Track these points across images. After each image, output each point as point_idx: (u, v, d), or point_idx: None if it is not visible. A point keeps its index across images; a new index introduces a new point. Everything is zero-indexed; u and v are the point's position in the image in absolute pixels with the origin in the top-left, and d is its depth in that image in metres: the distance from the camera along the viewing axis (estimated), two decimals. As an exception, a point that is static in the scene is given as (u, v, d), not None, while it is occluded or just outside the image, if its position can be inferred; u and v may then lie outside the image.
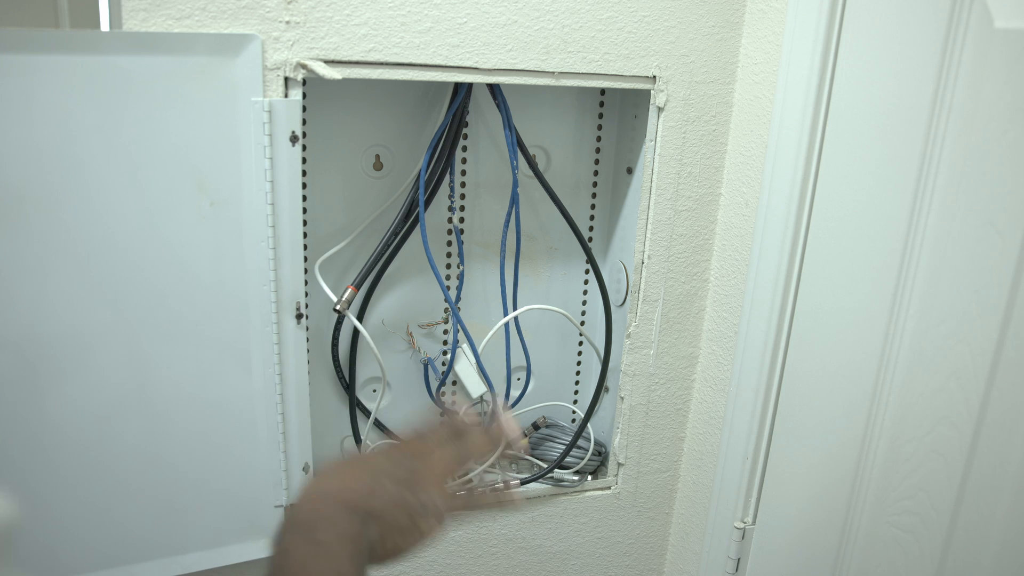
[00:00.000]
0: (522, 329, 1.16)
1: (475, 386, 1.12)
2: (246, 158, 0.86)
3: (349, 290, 0.99)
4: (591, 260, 1.12)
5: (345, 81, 0.88)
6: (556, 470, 1.15)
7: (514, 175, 1.05)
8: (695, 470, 1.19)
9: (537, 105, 1.10)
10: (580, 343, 1.24)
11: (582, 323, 1.23)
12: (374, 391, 1.16)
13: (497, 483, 1.11)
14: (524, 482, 1.13)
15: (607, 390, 1.19)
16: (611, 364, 1.15)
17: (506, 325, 1.12)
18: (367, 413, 1.14)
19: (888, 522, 0.85)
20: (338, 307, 0.98)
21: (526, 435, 1.19)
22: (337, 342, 1.09)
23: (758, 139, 1.00)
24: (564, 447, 1.17)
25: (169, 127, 0.82)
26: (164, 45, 0.79)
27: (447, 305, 1.14)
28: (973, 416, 0.74)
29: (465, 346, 1.13)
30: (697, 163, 1.06)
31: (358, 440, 1.12)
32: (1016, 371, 0.70)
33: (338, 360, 1.10)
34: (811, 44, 0.89)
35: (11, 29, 0.74)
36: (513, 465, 1.22)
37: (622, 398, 1.15)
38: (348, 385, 1.12)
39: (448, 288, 1.14)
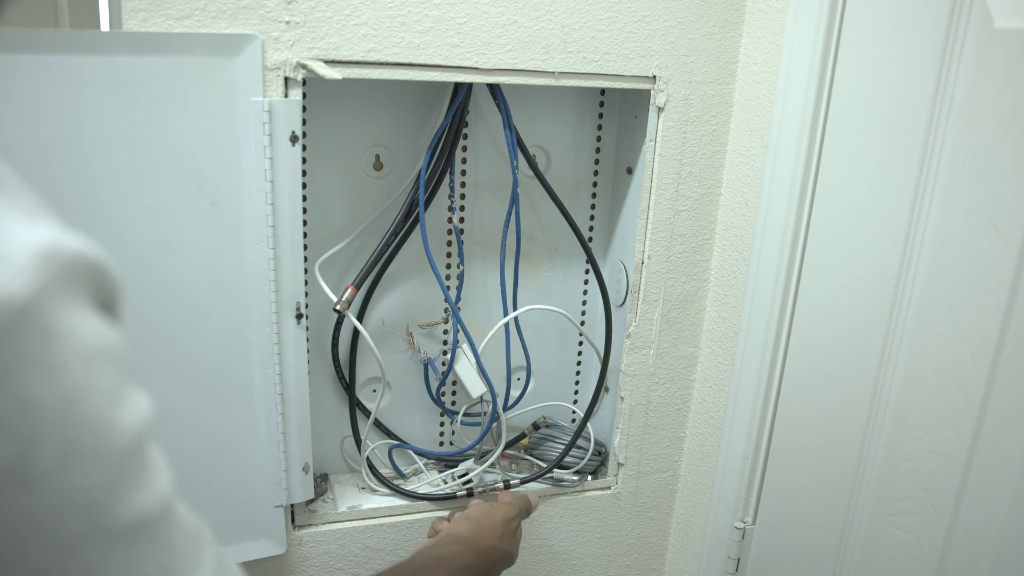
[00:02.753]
0: (522, 329, 1.16)
1: (475, 386, 1.12)
2: (246, 158, 0.86)
3: (349, 290, 0.99)
4: (591, 260, 1.12)
5: (345, 81, 0.88)
6: (556, 470, 1.15)
7: (514, 175, 1.05)
8: (695, 470, 1.19)
9: (537, 105, 1.10)
10: (580, 343, 1.24)
11: (582, 323, 1.23)
12: (374, 391, 1.16)
13: (497, 483, 1.12)
14: (524, 481, 1.13)
15: (607, 390, 1.19)
16: (611, 364, 1.15)
17: (506, 325, 1.12)
18: (367, 413, 1.14)
19: (888, 522, 0.85)
20: (338, 307, 0.98)
21: (526, 435, 1.19)
22: (337, 342, 1.09)
23: (758, 139, 1.00)
24: (564, 447, 1.17)
25: (169, 127, 0.82)
26: (164, 45, 0.79)
27: (447, 305, 1.14)
28: (973, 416, 0.74)
29: (465, 346, 1.13)
30: (697, 163, 1.06)
31: (358, 441, 1.12)
32: (1016, 371, 0.70)
33: (338, 360, 1.10)
34: (811, 44, 0.89)
35: (11, 29, 0.74)
36: (514, 465, 1.22)
37: (622, 398, 1.15)
38: (348, 385, 1.12)
39: (448, 288, 1.14)
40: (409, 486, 1.13)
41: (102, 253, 0.34)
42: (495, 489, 1.11)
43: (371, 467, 1.12)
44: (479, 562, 0.83)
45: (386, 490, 1.11)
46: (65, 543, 0.32)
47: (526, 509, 0.97)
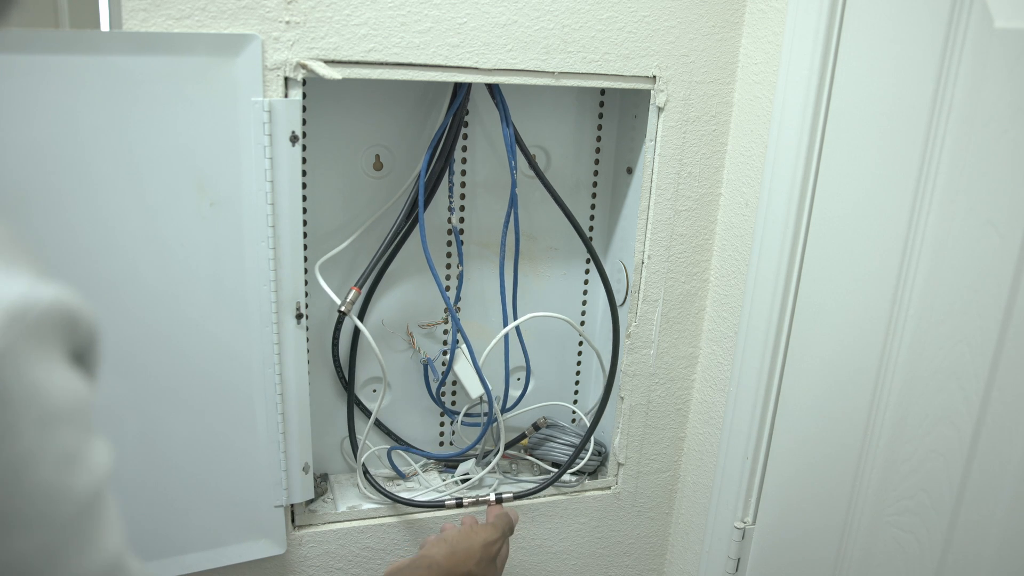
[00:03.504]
0: (522, 330, 1.16)
1: (474, 387, 1.12)
2: (246, 158, 0.86)
3: (353, 291, 0.99)
4: (595, 259, 1.10)
5: (345, 81, 0.88)
6: (556, 470, 1.15)
7: (512, 175, 1.05)
8: (695, 470, 1.19)
9: (537, 105, 1.10)
10: (580, 343, 1.24)
11: (582, 323, 1.23)
12: (374, 391, 1.16)
13: (488, 496, 1.09)
14: (530, 493, 1.11)
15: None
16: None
17: (504, 327, 1.12)
18: (367, 412, 1.14)
19: (888, 522, 0.85)
20: (343, 308, 0.98)
21: (527, 435, 1.19)
22: (337, 342, 1.09)
23: (758, 139, 1.00)
24: (564, 446, 1.17)
25: (169, 127, 0.82)
26: (164, 45, 0.79)
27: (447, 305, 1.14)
28: (973, 416, 0.74)
29: (465, 346, 1.13)
30: (697, 163, 1.06)
31: (354, 445, 1.12)
32: (1016, 371, 0.70)
33: (338, 360, 1.10)
34: (811, 44, 0.89)
35: (11, 29, 0.74)
36: (514, 465, 1.22)
37: (622, 398, 1.15)
38: (347, 385, 1.12)
39: (448, 288, 1.14)
40: (406, 490, 1.12)
41: (77, 300, 0.34)
42: (485, 501, 1.09)
43: (366, 473, 1.10)
44: None
45: (379, 496, 1.09)
46: None
47: (509, 528, 0.95)
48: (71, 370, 0.33)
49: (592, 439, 1.17)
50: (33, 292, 0.31)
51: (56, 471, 0.31)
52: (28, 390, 0.30)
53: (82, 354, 0.35)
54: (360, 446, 1.09)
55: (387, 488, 1.10)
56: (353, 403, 1.12)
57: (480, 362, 1.10)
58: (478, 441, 1.14)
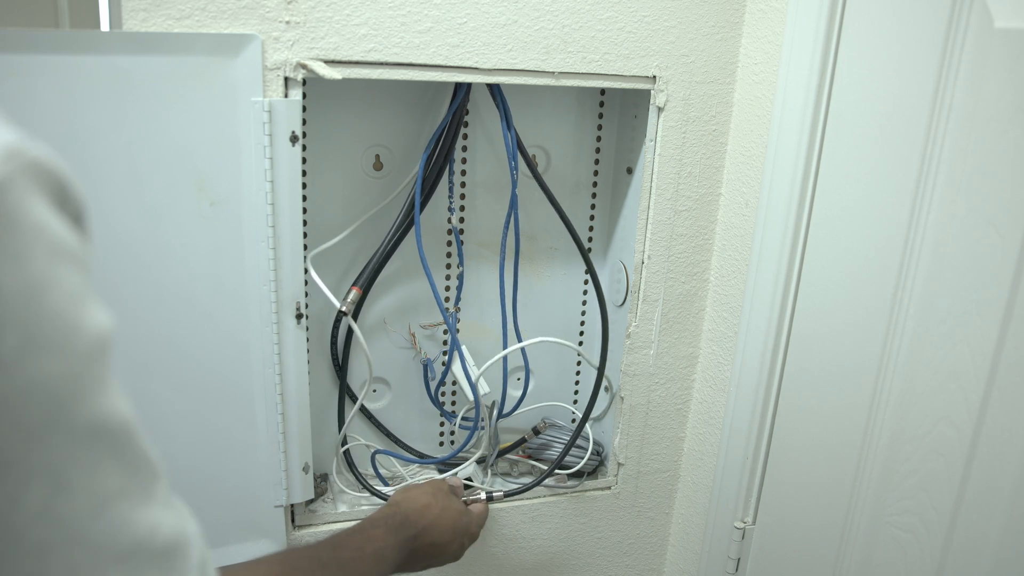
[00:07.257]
0: (522, 331, 1.15)
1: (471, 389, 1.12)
2: (246, 158, 0.86)
3: (353, 291, 0.99)
4: (590, 268, 1.10)
5: (345, 81, 0.88)
6: (555, 470, 1.15)
7: (513, 177, 1.05)
8: (695, 470, 1.19)
9: (537, 105, 1.10)
10: (580, 343, 1.24)
11: (582, 323, 1.23)
12: (375, 391, 1.16)
13: (477, 493, 1.08)
14: (520, 491, 1.11)
15: (607, 390, 1.19)
16: (610, 365, 1.15)
17: (504, 327, 1.12)
18: (367, 413, 1.14)
19: (888, 522, 0.85)
20: (343, 308, 0.98)
21: (526, 438, 1.19)
22: (336, 341, 1.09)
23: (758, 139, 1.00)
24: (564, 447, 1.17)
25: (169, 127, 0.82)
26: (164, 45, 0.79)
27: (448, 306, 1.14)
28: (973, 416, 0.74)
29: (464, 347, 1.13)
30: (697, 163, 1.06)
31: (345, 442, 1.12)
32: (1016, 371, 0.70)
33: (338, 360, 1.10)
34: (811, 44, 0.89)
35: (11, 29, 0.74)
36: (514, 468, 1.21)
37: (622, 398, 1.15)
38: (343, 384, 1.11)
39: (448, 288, 1.14)
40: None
41: (65, 167, 0.34)
42: (476, 499, 1.06)
43: (352, 467, 1.10)
44: (412, 518, 0.87)
45: (365, 492, 1.09)
46: (29, 431, 0.31)
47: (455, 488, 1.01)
48: (67, 224, 0.34)
49: (591, 438, 1.17)
50: (26, 142, 0.33)
51: (69, 303, 0.32)
52: (35, 220, 0.31)
53: (76, 219, 0.35)
54: (342, 436, 1.07)
55: (373, 485, 1.09)
56: (344, 399, 1.11)
57: (476, 378, 1.09)
58: (464, 445, 1.14)
